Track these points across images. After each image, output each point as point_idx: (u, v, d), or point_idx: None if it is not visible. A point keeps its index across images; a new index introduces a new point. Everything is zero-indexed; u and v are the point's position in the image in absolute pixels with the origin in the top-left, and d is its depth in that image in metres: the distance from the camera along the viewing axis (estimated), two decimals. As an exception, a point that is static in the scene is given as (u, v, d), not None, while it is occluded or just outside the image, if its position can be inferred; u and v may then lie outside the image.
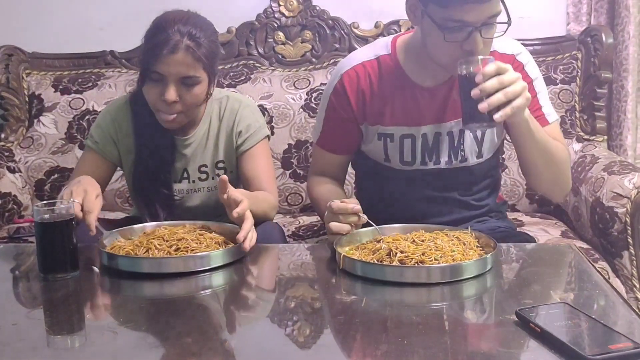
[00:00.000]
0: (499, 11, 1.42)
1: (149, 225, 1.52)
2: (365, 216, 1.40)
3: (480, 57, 1.38)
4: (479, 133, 1.61)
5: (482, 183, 1.69)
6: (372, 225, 1.43)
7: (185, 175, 1.78)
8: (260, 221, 1.65)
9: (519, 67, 1.58)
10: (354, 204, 1.39)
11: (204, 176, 1.78)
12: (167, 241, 1.37)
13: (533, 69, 1.60)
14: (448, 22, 1.41)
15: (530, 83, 1.57)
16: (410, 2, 1.50)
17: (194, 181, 1.77)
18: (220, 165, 1.78)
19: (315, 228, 2.18)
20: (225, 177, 1.45)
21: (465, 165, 1.63)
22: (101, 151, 1.75)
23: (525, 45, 2.36)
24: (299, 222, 2.27)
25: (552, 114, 1.62)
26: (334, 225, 1.39)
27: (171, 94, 1.59)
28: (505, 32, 1.46)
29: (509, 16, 1.43)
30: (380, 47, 1.63)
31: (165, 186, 1.73)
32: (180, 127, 1.70)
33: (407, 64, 1.59)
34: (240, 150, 1.76)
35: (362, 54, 1.65)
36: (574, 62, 2.39)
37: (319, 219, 2.27)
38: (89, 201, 1.42)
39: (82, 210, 1.40)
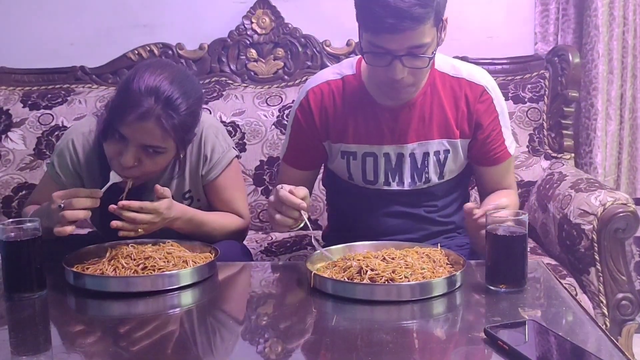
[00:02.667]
0: (423, 43, 1.43)
1: (116, 243, 1.49)
2: (305, 215, 1.37)
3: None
4: (441, 157, 1.63)
5: (447, 199, 1.71)
6: (309, 229, 1.39)
7: None
8: (220, 240, 1.63)
9: (487, 100, 1.61)
10: (300, 200, 1.36)
11: None
12: (134, 259, 1.35)
13: (499, 103, 1.64)
14: (371, 46, 1.45)
15: (496, 117, 1.63)
16: (356, 16, 1.52)
17: None
18: (187, 195, 1.70)
19: (288, 244, 2.18)
20: (158, 187, 1.46)
21: (428, 186, 1.66)
22: (63, 184, 1.66)
23: (494, 64, 2.44)
24: (271, 238, 2.27)
25: (512, 146, 1.68)
26: (279, 219, 1.37)
27: (128, 159, 1.47)
28: (428, 65, 1.48)
29: (435, 49, 1.47)
30: (346, 67, 1.66)
31: None
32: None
33: (370, 84, 1.61)
34: (206, 180, 1.68)
35: (328, 73, 1.67)
36: (541, 81, 2.43)
37: (291, 235, 2.27)
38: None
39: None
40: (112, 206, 1.42)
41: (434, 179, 1.65)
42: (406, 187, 1.65)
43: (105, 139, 1.52)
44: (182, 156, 1.60)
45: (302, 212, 1.37)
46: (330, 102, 1.63)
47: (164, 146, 1.50)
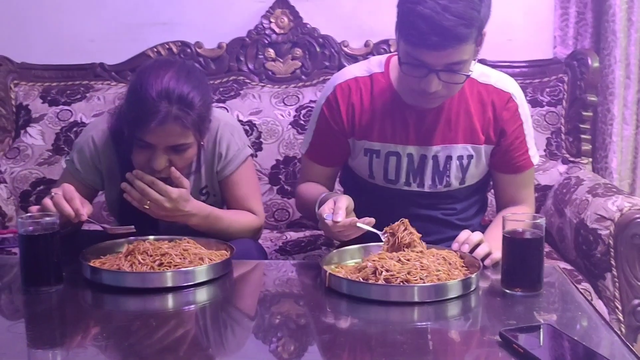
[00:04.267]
0: (462, 60, 1.44)
1: (133, 239, 1.50)
2: (361, 223, 1.39)
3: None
4: (464, 161, 1.63)
5: (467, 202, 1.71)
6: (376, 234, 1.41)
7: None
8: (236, 238, 1.63)
9: (512, 107, 1.62)
10: (350, 220, 1.37)
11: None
12: (150, 256, 1.36)
13: (524, 111, 1.64)
14: (409, 58, 1.45)
15: (520, 125, 1.63)
16: (396, 25, 1.52)
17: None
18: (204, 191, 1.73)
19: (303, 244, 2.18)
20: (173, 170, 1.52)
21: (448, 190, 1.66)
22: (83, 179, 1.70)
23: (512, 67, 2.43)
24: (286, 238, 2.27)
25: (535, 156, 1.68)
26: (340, 237, 1.42)
27: (160, 162, 1.53)
28: (463, 82, 1.50)
29: (473, 63, 1.48)
30: (374, 65, 1.66)
31: (150, 219, 1.62)
32: None
33: (398, 84, 1.61)
34: (221, 176, 1.70)
35: (356, 70, 1.67)
36: (560, 84, 2.42)
37: (306, 235, 2.28)
38: (69, 191, 1.43)
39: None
40: (129, 173, 1.49)
41: (455, 183, 1.65)
42: (426, 189, 1.64)
43: (132, 151, 1.56)
44: (203, 144, 1.64)
45: (358, 224, 1.38)
46: (358, 99, 1.63)
47: (189, 142, 1.55)
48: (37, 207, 1.47)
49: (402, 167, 1.63)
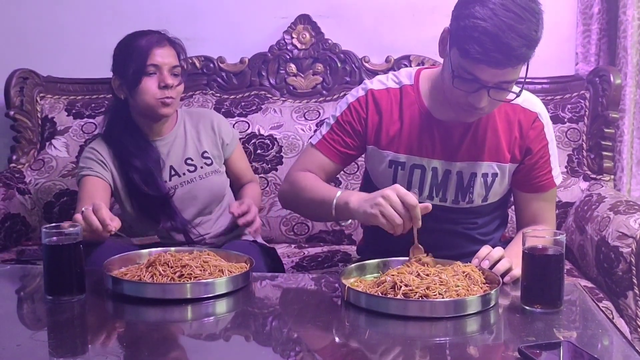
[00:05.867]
0: (514, 78, 1.45)
1: (155, 250, 1.53)
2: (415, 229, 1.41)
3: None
4: (489, 179, 1.63)
5: (488, 217, 1.70)
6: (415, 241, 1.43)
7: (172, 172, 1.92)
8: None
9: (538, 126, 1.62)
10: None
11: (192, 168, 1.94)
12: (171, 267, 1.38)
13: (549, 131, 1.64)
14: (462, 71, 1.44)
15: (545, 145, 1.63)
16: (443, 35, 1.52)
17: (183, 173, 1.93)
18: (206, 154, 1.98)
19: (320, 259, 2.19)
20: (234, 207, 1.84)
21: (470, 206, 1.65)
22: (97, 174, 1.85)
23: (534, 83, 2.42)
24: (304, 253, 2.27)
25: (559, 176, 1.68)
26: (395, 218, 1.39)
27: (170, 78, 1.85)
28: (512, 100, 1.50)
29: (522, 87, 1.48)
30: (404, 77, 1.66)
31: (157, 188, 1.86)
32: (166, 119, 1.94)
33: (427, 97, 1.62)
34: (226, 155, 2.04)
35: (387, 81, 1.67)
36: (582, 101, 2.41)
37: (324, 250, 2.28)
38: (98, 204, 1.47)
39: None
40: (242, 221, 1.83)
41: (478, 200, 1.64)
42: (448, 204, 1.64)
43: (140, 81, 1.84)
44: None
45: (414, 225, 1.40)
46: (388, 109, 1.63)
47: (181, 66, 1.91)
48: (69, 222, 1.49)
49: (426, 181, 1.63)
